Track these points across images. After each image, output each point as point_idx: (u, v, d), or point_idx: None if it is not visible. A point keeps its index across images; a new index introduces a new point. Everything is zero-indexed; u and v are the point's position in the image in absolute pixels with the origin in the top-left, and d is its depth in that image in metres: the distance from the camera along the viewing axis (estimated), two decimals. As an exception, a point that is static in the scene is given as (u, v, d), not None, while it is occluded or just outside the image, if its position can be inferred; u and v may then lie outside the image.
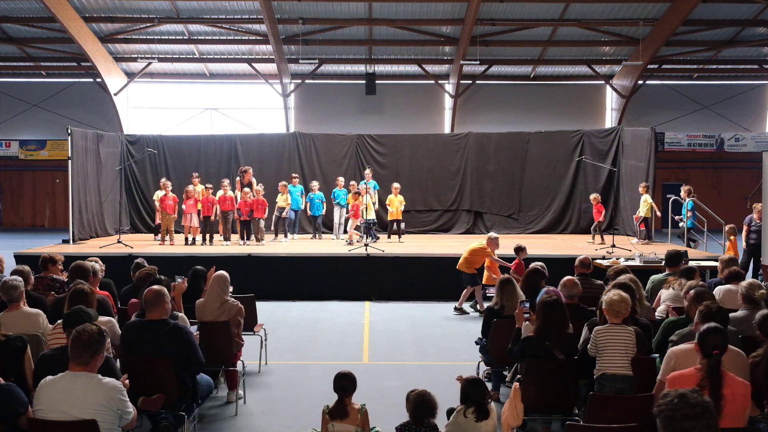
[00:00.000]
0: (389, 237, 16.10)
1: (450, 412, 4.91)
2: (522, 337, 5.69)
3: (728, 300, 6.62)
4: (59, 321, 5.25)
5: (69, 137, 15.14)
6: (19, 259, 11.88)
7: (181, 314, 6.18)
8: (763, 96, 26.45)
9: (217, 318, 6.70)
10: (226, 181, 15.55)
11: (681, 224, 14.82)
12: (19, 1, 20.81)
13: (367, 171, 16.48)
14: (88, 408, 4.09)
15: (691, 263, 8.46)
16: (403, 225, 16.13)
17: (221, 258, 12.63)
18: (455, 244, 15.42)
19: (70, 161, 15.08)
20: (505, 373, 7.09)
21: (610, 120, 25.57)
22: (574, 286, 6.60)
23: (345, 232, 15.81)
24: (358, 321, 10.95)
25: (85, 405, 4.09)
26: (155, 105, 25.62)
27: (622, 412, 4.62)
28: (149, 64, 23.73)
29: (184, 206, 14.97)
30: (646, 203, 15.12)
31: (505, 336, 6.18)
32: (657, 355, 5.50)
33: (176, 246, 14.60)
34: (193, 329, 6.12)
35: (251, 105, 25.69)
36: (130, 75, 24.62)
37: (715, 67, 25.09)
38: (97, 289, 6.93)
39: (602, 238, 15.31)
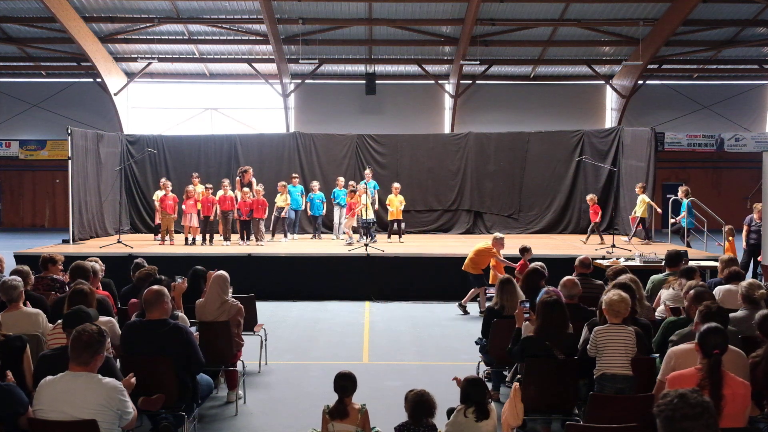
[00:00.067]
0: (389, 237, 16.10)
1: (450, 411, 4.91)
2: (522, 337, 5.69)
3: (728, 300, 6.62)
4: (59, 321, 5.25)
5: (69, 137, 15.14)
6: (19, 259, 11.88)
7: (182, 314, 6.18)
8: (763, 96, 26.45)
9: (217, 318, 6.70)
10: (226, 181, 15.54)
11: (675, 225, 14.92)
12: (19, 1, 20.81)
13: (367, 171, 16.48)
14: (88, 408, 4.09)
15: (691, 263, 8.47)
16: (403, 225, 16.13)
17: (221, 258, 12.65)
18: (455, 244, 15.44)
19: (70, 161, 15.08)
20: (505, 373, 7.09)
21: (610, 120, 25.57)
22: (574, 286, 6.61)
23: (344, 232, 15.81)
24: (358, 321, 10.95)
25: (85, 405, 4.09)
26: (155, 105, 25.61)
27: (622, 412, 4.62)
28: (149, 64, 23.73)
29: (183, 206, 14.98)
30: (642, 203, 15.14)
31: (505, 336, 6.18)
32: (657, 355, 5.50)
33: (176, 246, 14.60)
34: (192, 329, 6.12)
35: (251, 105, 25.69)
36: (130, 75, 24.62)
37: (715, 67, 25.09)
38: (99, 288, 6.95)
39: (601, 238, 15.31)
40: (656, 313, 6.93)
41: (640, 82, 24.30)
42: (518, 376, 5.68)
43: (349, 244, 14.81)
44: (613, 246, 13.52)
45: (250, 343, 7.77)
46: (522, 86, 25.42)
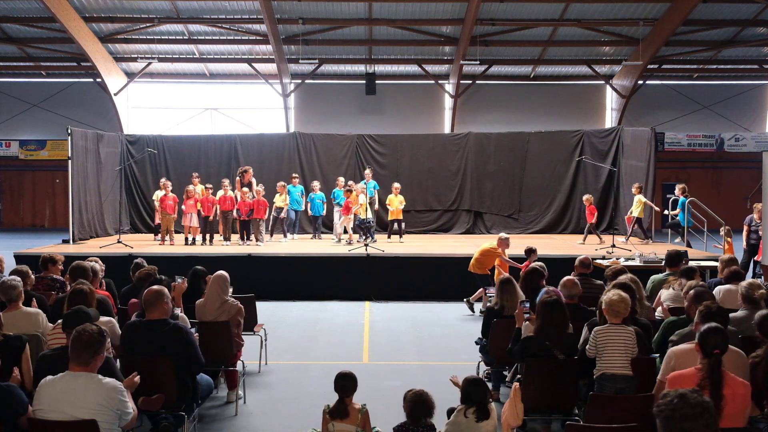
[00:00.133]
0: (389, 237, 16.10)
1: (450, 411, 4.91)
2: (522, 337, 5.69)
3: (728, 300, 6.62)
4: (59, 321, 5.25)
5: (69, 137, 15.14)
6: (19, 259, 11.88)
7: (182, 314, 6.18)
8: (763, 96, 26.45)
9: (216, 318, 6.70)
10: (226, 181, 15.55)
11: (673, 220, 15.08)
12: (19, 1, 20.81)
13: (367, 171, 16.48)
14: (88, 408, 4.09)
15: (691, 263, 8.46)
16: (403, 225, 16.12)
17: (221, 258, 12.64)
18: (455, 244, 15.45)
19: (70, 161, 15.08)
20: (505, 373, 7.09)
21: (610, 120, 25.57)
22: (574, 286, 6.60)
23: (345, 232, 15.81)
24: (358, 321, 10.95)
25: (85, 405, 4.09)
26: (155, 105, 25.61)
27: (622, 412, 4.62)
28: (149, 64, 23.73)
29: (183, 206, 14.98)
30: (639, 203, 15.17)
31: (505, 336, 6.18)
32: (657, 355, 5.50)
33: (176, 246, 14.59)
34: (192, 329, 6.13)
35: (251, 105, 25.69)
36: (130, 75, 24.62)
37: (715, 67, 25.09)
38: (102, 288, 6.95)
39: (590, 237, 15.39)
40: (656, 313, 6.93)
41: (640, 82, 24.30)
42: (518, 376, 5.68)
43: (338, 242, 14.81)
44: (613, 246, 13.52)
45: (250, 343, 7.77)
46: (522, 86, 25.42)
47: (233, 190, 15.48)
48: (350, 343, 9.49)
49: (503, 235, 11.41)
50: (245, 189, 15.19)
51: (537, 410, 5.46)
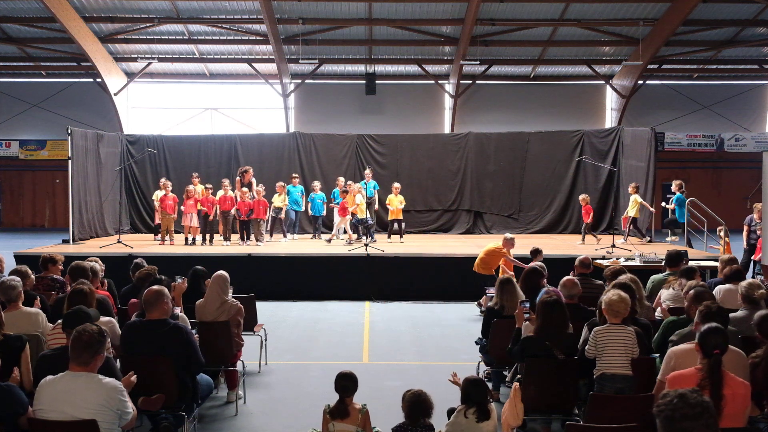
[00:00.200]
0: (389, 237, 16.09)
1: (451, 412, 4.91)
2: (522, 337, 5.69)
3: (728, 300, 6.61)
4: (59, 321, 5.25)
5: (69, 137, 15.14)
6: (19, 259, 11.88)
7: (182, 314, 6.18)
8: (763, 96, 26.45)
9: (216, 318, 6.70)
10: (226, 181, 15.55)
11: (670, 218, 15.27)
12: (19, 1, 20.81)
13: (367, 171, 16.49)
14: (88, 408, 4.09)
15: (691, 263, 8.46)
16: (403, 225, 16.12)
17: (221, 258, 12.64)
18: (455, 244, 15.46)
19: (70, 161, 15.08)
20: (505, 373, 7.09)
21: (610, 120, 25.57)
22: (574, 286, 6.60)
23: (345, 232, 15.82)
24: (358, 321, 10.95)
25: (85, 405, 4.09)
26: (155, 105, 25.61)
27: (622, 412, 4.62)
28: (149, 64, 23.73)
29: (183, 206, 14.98)
30: (634, 203, 15.20)
31: (505, 336, 6.18)
32: (657, 355, 5.50)
33: (176, 246, 14.59)
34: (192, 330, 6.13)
35: (251, 105, 25.69)
36: (130, 75, 24.62)
37: (715, 67, 25.09)
38: (102, 288, 6.95)
39: (588, 237, 15.42)
40: (656, 313, 6.93)
41: (640, 82, 24.30)
42: (518, 376, 5.68)
43: (349, 243, 14.80)
44: (613, 246, 13.53)
45: (250, 343, 7.77)
46: (522, 86, 25.42)
47: (233, 190, 15.49)
48: (350, 343, 9.49)
49: (508, 235, 11.38)
50: (245, 189, 15.19)
51: (537, 410, 5.46)
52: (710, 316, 4.73)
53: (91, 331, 4.21)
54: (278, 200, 15.87)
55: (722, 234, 13.24)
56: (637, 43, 21.88)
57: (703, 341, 4.15)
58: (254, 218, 14.92)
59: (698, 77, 25.75)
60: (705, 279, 9.39)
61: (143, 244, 14.82)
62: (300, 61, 22.17)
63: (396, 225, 15.99)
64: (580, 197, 16.18)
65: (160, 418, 5.34)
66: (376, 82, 23.36)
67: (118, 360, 5.21)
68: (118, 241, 14.41)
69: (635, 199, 15.20)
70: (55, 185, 25.45)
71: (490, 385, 6.64)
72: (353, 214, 15.12)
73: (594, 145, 18.22)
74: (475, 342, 7.43)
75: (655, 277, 7.89)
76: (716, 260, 9.15)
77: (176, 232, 15.38)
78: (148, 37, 22.71)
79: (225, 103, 25.63)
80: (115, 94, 24.19)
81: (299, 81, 24.65)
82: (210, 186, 15.33)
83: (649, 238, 15.84)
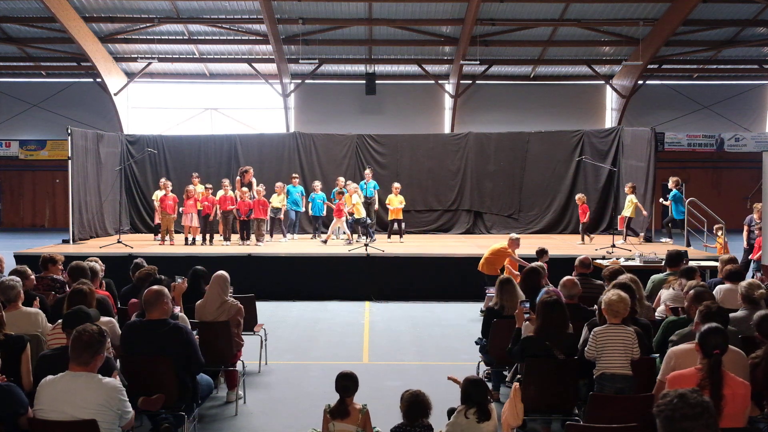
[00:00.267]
0: (389, 237, 16.08)
1: (451, 412, 4.91)
2: (522, 337, 5.69)
3: (728, 300, 6.62)
4: (59, 321, 5.25)
5: (69, 137, 15.14)
6: (19, 259, 11.88)
7: (182, 314, 6.18)
8: (763, 96, 26.45)
9: (216, 318, 6.70)
10: (227, 181, 15.55)
11: (667, 218, 15.37)
12: (19, 1, 20.82)
13: (367, 171, 16.49)
14: (88, 408, 4.09)
15: (691, 263, 8.47)
16: (403, 225, 16.12)
17: (221, 258, 12.64)
18: (455, 244, 15.46)
19: (70, 161, 15.08)
20: (505, 373, 7.09)
21: (610, 120, 25.58)
22: (574, 286, 6.60)
23: (344, 232, 15.81)
24: (358, 321, 10.95)
25: (85, 405, 4.10)
26: (155, 105, 25.62)
27: (622, 412, 4.62)
28: (149, 64, 23.73)
29: (183, 207, 14.98)
30: (631, 203, 15.21)
31: (505, 336, 6.18)
32: (657, 355, 5.50)
33: (176, 246, 14.59)
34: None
35: (251, 105, 25.69)
36: (130, 75, 24.62)
37: (715, 67, 25.10)
38: (102, 288, 6.95)
39: (588, 237, 15.46)
40: (656, 313, 6.93)
41: (640, 82, 24.30)
42: (518, 376, 5.68)
43: (349, 243, 14.80)
44: (613, 246, 13.53)
45: (250, 343, 7.77)
46: (522, 86, 25.42)
47: (233, 190, 15.49)
48: (350, 343, 9.49)
49: (514, 235, 11.39)
50: (245, 189, 15.19)
51: (537, 410, 5.46)
52: (710, 316, 4.73)
53: (91, 331, 4.21)
54: (276, 200, 15.87)
55: (719, 233, 13.24)
56: (637, 43, 21.88)
57: (703, 341, 4.15)
58: (254, 218, 14.92)
59: (698, 77, 25.75)
60: (705, 279, 9.39)
61: (143, 244, 14.82)
62: (300, 61, 22.17)
63: (396, 225, 15.98)
64: (577, 197, 16.20)
65: (160, 418, 5.35)
66: (376, 82, 23.36)
67: (118, 360, 5.21)
68: (118, 241, 14.41)
69: (631, 199, 15.22)
70: (55, 185, 25.45)
71: (490, 385, 6.65)
72: (351, 214, 15.12)
73: (594, 145, 18.22)
74: (475, 342, 7.43)
75: (655, 277, 7.90)
76: (716, 260, 9.14)
77: (176, 232, 15.38)
78: (148, 37, 22.72)
79: (225, 103, 25.64)
80: (115, 94, 24.19)
81: (299, 81, 24.65)
82: (210, 186, 15.33)
83: (643, 236, 15.82)
